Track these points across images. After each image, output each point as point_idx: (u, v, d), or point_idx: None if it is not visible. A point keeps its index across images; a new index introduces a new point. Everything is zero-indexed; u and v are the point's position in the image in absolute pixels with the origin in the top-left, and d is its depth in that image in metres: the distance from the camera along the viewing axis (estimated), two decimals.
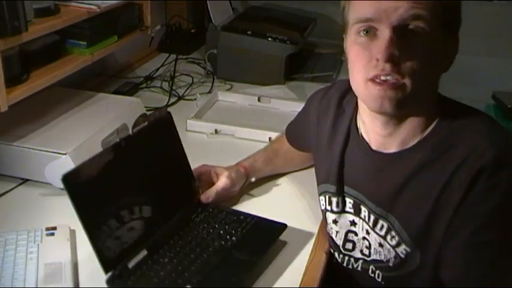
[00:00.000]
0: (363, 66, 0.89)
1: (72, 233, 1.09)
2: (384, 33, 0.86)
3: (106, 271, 0.96)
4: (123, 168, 1.04)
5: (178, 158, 1.17)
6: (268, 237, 1.08)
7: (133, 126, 1.10)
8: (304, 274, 1.03)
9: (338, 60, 2.05)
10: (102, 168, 1.00)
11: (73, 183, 0.95)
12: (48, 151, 1.22)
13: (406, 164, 0.94)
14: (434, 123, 0.93)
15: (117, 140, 1.05)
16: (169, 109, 1.17)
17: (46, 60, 1.34)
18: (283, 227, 1.09)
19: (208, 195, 1.18)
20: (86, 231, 0.94)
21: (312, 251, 1.09)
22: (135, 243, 1.02)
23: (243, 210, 1.17)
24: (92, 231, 0.95)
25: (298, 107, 1.70)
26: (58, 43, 1.39)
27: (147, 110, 1.58)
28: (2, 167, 1.27)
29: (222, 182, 1.20)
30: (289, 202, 1.26)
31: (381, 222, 0.99)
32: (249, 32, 1.92)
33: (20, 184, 1.26)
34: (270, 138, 1.51)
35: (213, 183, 1.21)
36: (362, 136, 1.02)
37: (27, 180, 1.27)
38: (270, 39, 1.90)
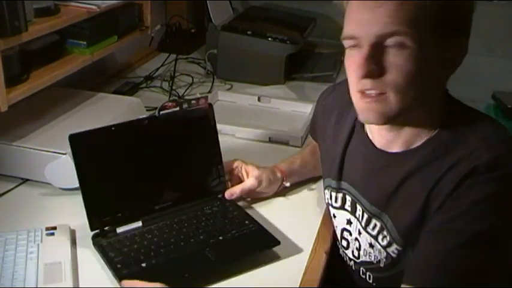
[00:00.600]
0: (354, 79, 0.91)
1: (72, 233, 1.09)
2: (363, 49, 0.87)
3: (91, 229, 1.06)
4: (141, 144, 1.12)
5: (210, 150, 1.20)
6: (252, 248, 1.06)
7: (160, 109, 1.13)
8: (304, 274, 1.03)
9: (338, 60, 2.04)
10: (115, 138, 1.09)
11: (78, 143, 1.05)
12: (48, 151, 1.22)
13: (406, 164, 0.94)
14: (440, 126, 0.93)
15: (140, 117, 1.13)
16: None
17: (46, 60, 1.34)
18: (275, 243, 1.07)
19: (232, 192, 1.19)
20: (81, 189, 1.05)
21: (312, 251, 1.09)
22: (133, 213, 1.10)
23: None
24: (87, 191, 1.06)
25: (298, 107, 1.72)
26: (58, 43, 1.39)
27: (147, 110, 1.58)
28: (2, 167, 1.27)
29: (249, 182, 1.20)
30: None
31: (373, 221, 0.99)
32: (249, 32, 1.92)
33: (20, 184, 1.26)
34: (270, 138, 1.52)
35: (242, 180, 1.22)
36: (367, 133, 1.02)
37: (27, 180, 1.27)
38: (270, 39, 1.90)
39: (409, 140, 0.95)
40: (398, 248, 0.95)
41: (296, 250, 1.09)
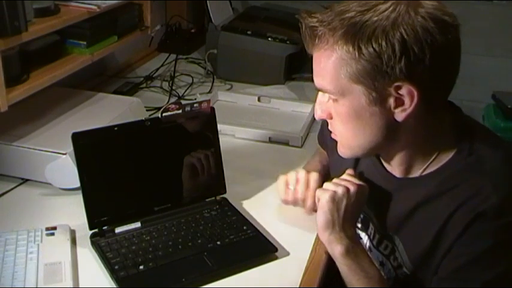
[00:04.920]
0: None
1: (72, 233, 1.09)
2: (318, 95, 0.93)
3: (90, 228, 1.07)
4: (142, 145, 1.13)
5: (211, 153, 1.20)
6: (249, 254, 1.06)
7: (163, 111, 1.14)
8: (304, 274, 1.03)
9: None
10: (118, 138, 1.10)
11: (80, 142, 1.06)
12: (48, 151, 1.22)
13: (416, 192, 0.93)
14: (451, 155, 0.91)
15: (143, 118, 1.15)
16: None
17: (46, 60, 1.34)
18: (272, 250, 1.07)
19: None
20: (81, 187, 1.06)
21: (312, 251, 1.09)
22: (133, 213, 1.11)
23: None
24: (87, 190, 1.06)
25: (298, 107, 1.72)
26: (58, 43, 1.39)
27: (147, 110, 1.58)
28: (2, 167, 1.27)
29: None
30: None
31: (385, 242, 0.99)
32: (249, 32, 1.92)
33: (20, 184, 1.26)
34: (270, 138, 1.52)
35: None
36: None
37: (27, 180, 1.27)
38: (270, 39, 1.90)
39: (408, 168, 0.95)
40: (407, 272, 0.96)
41: (296, 250, 1.09)
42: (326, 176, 1.22)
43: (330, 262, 1.09)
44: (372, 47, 0.80)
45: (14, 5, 1.10)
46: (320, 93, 0.93)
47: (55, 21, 1.29)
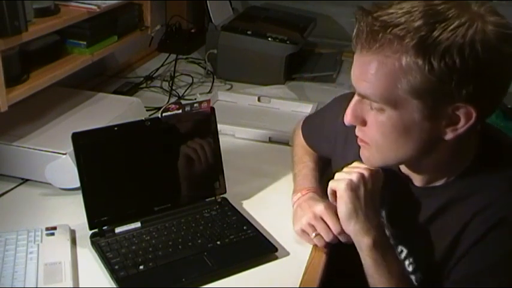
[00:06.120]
0: None
1: (72, 233, 1.09)
2: (354, 98, 0.88)
3: (90, 228, 1.07)
4: (142, 145, 1.13)
5: (211, 153, 1.20)
6: (249, 254, 1.06)
7: (164, 111, 1.14)
8: (304, 274, 1.03)
9: (338, 60, 2.04)
10: (118, 138, 1.11)
11: (80, 142, 1.06)
12: (48, 151, 1.22)
13: (434, 201, 0.92)
14: (473, 161, 0.89)
15: (143, 118, 1.15)
16: None
17: (46, 60, 1.34)
18: (272, 250, 1.07)
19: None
20: (81, 187, 1.06)
21: (312, 251, 1.09)
22: (133, 213, 1.11)
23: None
24: (87, 190, 1.06)
25: (298, 107, 1.72)
26: (58, 43, 1.39)
27: (147, 110, 1.58)
28: (2, 167, 1.27)
29: None
30: None
31: (400, 247, 0.99)
32: (249, 32, 1.92)
33: (20, 184, 1.26)
34: (270, 138, 1.52)
35: None
36: None
37: (27, 180, 1.27)
38: (270, 39, 1.90)
39: (430, 179, 0.93)
40: (422, 277, 0.95)
41: (296, 250, 1.09)
42: (321, 171, 1.22)
43: (330, 262, 1.09)
44: (445, 62, 0.75)
45: (14, 5, 1.10)
46: (357, 97, 0.87)
47: (55, 21, 1.29)
